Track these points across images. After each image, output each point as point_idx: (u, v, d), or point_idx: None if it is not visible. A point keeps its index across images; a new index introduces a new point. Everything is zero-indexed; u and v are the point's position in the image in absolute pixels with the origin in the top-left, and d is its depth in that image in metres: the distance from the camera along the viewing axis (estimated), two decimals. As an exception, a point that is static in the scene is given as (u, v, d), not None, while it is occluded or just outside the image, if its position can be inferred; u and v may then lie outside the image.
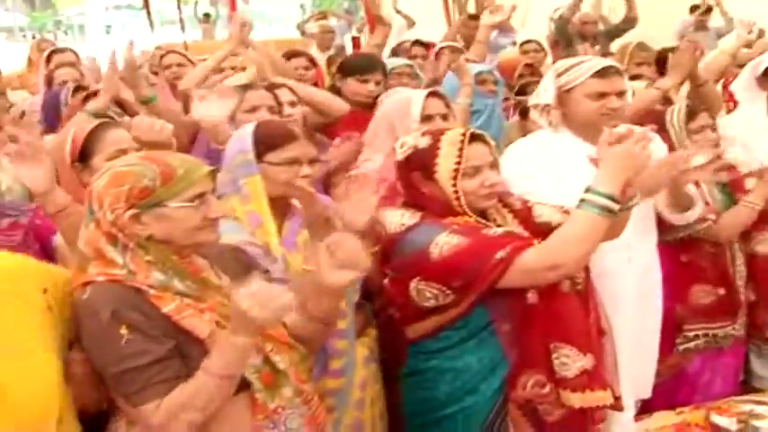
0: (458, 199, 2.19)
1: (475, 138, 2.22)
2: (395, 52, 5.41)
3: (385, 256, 2.21)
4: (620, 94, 2.74)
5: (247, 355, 1.70)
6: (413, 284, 2.16)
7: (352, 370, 2.37)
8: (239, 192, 2.26)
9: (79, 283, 1.75)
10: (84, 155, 2.48)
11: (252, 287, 1.61)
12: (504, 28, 6.52)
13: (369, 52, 4.82)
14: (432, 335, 2.25)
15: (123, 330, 1.66)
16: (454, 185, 2.18)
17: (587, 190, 2.11)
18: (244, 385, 1.73)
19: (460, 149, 2.18)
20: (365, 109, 3.59)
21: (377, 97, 3.60)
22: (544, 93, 2.82)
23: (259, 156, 2.27)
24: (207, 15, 14.60)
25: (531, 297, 2.17)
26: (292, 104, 3.30)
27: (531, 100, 2.94)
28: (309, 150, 2.33)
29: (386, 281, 2.25)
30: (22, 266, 1.76)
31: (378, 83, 3.78)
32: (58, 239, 2.39)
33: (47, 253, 2.40)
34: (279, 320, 1.73)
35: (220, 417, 1.72)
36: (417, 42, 5.58)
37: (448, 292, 2.14)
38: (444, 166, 2.19)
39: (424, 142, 2.25)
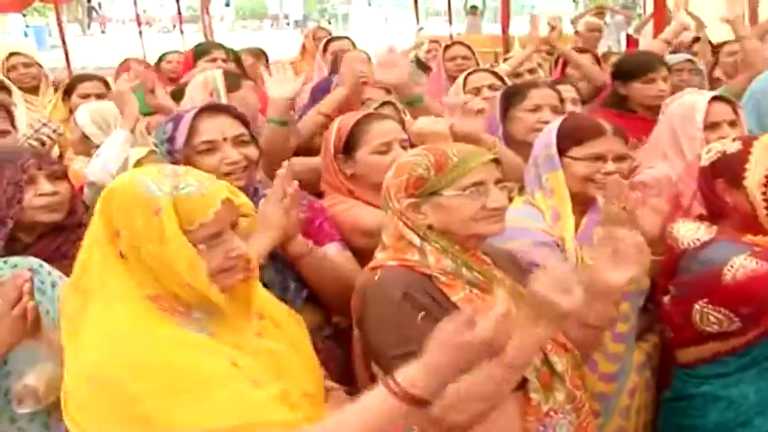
0: (767, 208, 2.04)
1: None
2: (674, 49, 5.17)
3: (671, 271, 2.11)
4: None
5: (539, 347, 1.65)
6: (697, 306, 2.04)
7: (624, 376, 2.28)
8: (542, 187, 2.27)
9: (368, 267, 1.85)
10: (348, 146, 2.46)
11: (552, 271, 1.55)
12: None
13: (645, 50, 4.60)
14: (707, 361, 2.13)
15: (416, 313, 1.69)
16: (764, 194, 2.04)
17: None
18: (518, 385, 1.69)
19: None
20: (655, 113, 3.26)
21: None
22: None
23: (563, 150, 2.26)
24: (474, 8, 14.72)
25: (824, 331, 1.99)
26: (574, 102, 3.24)
27: None
28: (617, 147, 2.26)
29: (666, 298, 2.15)
30: None
31: (665, 79, 3.53)
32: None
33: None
34: (579, 306, 1.56)
35: (491, 415, 1.69)
36: (698, 39, 5.29)
37: (735, 319, 2.01)
38: (755, 172, 2.06)
39: (733, 147, 2.13)
